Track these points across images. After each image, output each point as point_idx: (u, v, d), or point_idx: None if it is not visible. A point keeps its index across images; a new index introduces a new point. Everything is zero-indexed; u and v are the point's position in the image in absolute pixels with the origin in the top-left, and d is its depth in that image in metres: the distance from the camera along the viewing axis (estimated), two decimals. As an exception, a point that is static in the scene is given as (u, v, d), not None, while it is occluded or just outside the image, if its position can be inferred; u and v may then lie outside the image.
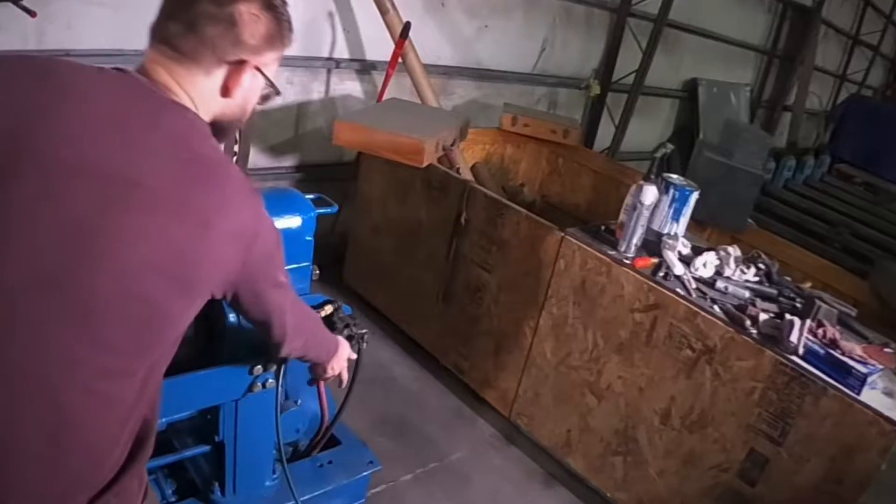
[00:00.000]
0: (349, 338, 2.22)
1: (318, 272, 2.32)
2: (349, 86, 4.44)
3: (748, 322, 2.46)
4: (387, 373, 3.68)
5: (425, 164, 3.41)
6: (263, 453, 2.28)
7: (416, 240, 3.72)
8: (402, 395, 3.55)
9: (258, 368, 2.05)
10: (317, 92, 4.32)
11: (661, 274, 2.73)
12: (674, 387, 2.65)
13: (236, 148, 3.76)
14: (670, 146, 3.08)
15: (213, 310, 2.01)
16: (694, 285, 2.66)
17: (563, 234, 3.00)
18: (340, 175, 4.42)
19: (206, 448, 2.20)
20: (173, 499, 2.28)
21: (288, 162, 4.41)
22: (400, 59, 4.04)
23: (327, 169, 4.50)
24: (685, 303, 2.60)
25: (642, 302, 2.74)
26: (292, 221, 2.15)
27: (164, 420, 2.02)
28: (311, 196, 2.26)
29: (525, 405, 3.24)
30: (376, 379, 3.60)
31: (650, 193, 2.77)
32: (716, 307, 2.56)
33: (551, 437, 3.14)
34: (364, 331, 2.31)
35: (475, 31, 5.00)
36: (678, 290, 2.64)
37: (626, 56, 6.09)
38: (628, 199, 2.85)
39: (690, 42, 6.75)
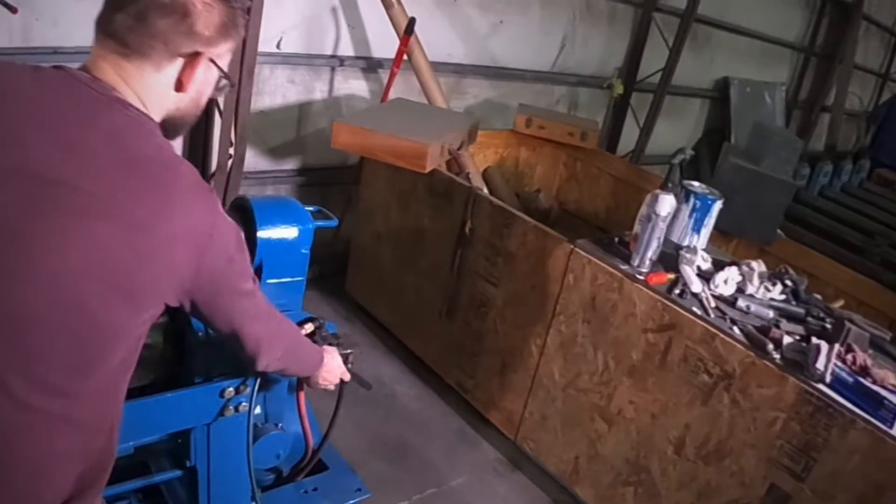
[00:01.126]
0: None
1: None
2: (354, 85, 4.36)
3: (771, 345, 2.33)
4: (387, 390, 3.59)
5: (428, 170, 3.32)
6: (239, 479, 2.19)
7: (419, 250, 3.63)
8: (403, 414, 3.45)
9: (230, 391, 1.98)
10: (319, 91, 4.24)
11: (677, 291, 2.61)
12: (689, 414, 2.53)
13: (231, 150, 3.70)
14: (690, 151, 2.95)
15: (180, 325, 1.95)
16: (713, 304, 2.54)
17: (572, 247, 2.89)
18: (344, 179, 4.36)
19: (177, 473, 2.13)
20: (143, 528, 2.22)
21: (289, 165, 4.34)
22: (406, 57, 3.94)
23: (331, 173, 4.43)
24: (702, 323, 2.47)
25: (656, 321, 2.62)
26: (288, 232, 2.10)
27: (130, 444, 1.97)
28: (310, 208, 2.21)
29: (531, 428, 3.13)
30: (376, 397, 3.51)
31: (666, 203, 2.65)
32: (736, 328, 2.44)
33: (559, 463, 3.03)
34: (349, 350, 2.23)
35: (489, 26, 4.89)
36: (695, 309, 2.52)
37: (652, 53, 5.93)
38: (643, 210, 2.73)
39: (721, 39, 6.58)
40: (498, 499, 3.04)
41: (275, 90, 4.07)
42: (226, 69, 1.33)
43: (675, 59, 5.94)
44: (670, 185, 2.79)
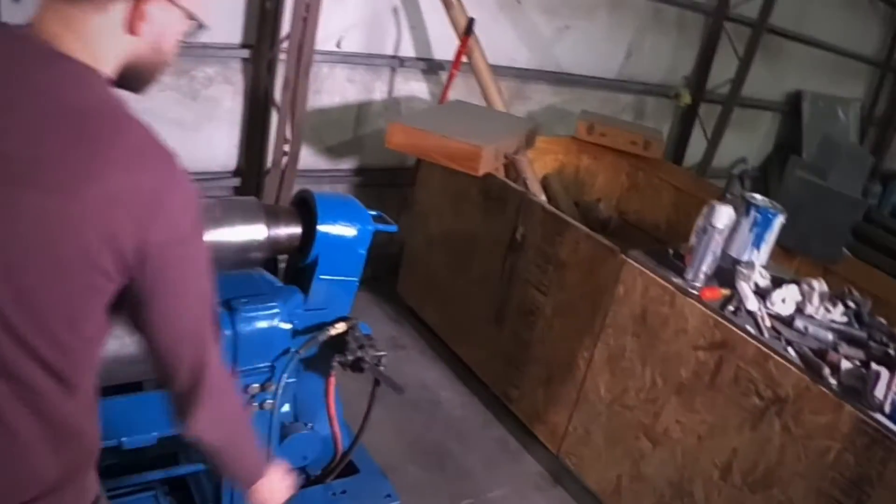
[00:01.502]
0: (358, 361, 2.13)
1: None
2: (414, 87, 4.38)
3: (827, 370, 2.23)
4: (431, 395, 3.58)
5: (482, 173, 3.30)
6: (271, 477, 2.21)
7: (470, 255, 3.61)
8: (445, 421, 3.43)
9: (254, 388, 1.99)
10: (379, 92, 4.27)
11: (732, 308, 2.52)
12: (737, 438, 2.43)
13: (286, 147, 3.75)
14: (751, 163, 2.85)
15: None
16: (768, 323, 2.44)
17: (624, 257, 2.82)
18: (401, 181, 4.37)
19: (200, 467, 2.16)
20: (169, 519, 2.25)
21: (346, 164, 4.38)
22: (466, 59, 3.94)
23: (388, 174, 4.45)
24: (756, 343, 2.38)
25: (707, 339, 2.53)
26: (348, 230, 2.10)
27: (153, 434, 1.99)
28: (373, 212, 2.21)
29: (575, 443, 3.07)
30: (419, 401, 3.51)
31: (723, 215, 2.57)
32: (791, 350, 2.34)
33: (600, 481, 2.96)
34: (382, 353, 2.22)
35: (554, 31, 4.85)
36: (749, 327, 2.43)
37: (722, 63, 5.76)
38: (699, 221, 2.65)
39: (795, 50, 6.33)
40: (535, 514, 2.99)
41: (333, 89, 4.11)
42: (191, 8, 1.19)
43: (745, 70, 5.75)
44: (729, 196, 2.70)
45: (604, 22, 5.06)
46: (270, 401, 2.04)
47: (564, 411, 3.11)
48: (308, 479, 2.49)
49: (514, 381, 3.38)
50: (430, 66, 4.37)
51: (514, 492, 3.08)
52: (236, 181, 3.97)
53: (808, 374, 2.24)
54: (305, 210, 2.06)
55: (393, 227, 2.21)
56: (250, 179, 3.94)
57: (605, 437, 2.93)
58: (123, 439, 2.04)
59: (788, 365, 2.29)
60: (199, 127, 3.80)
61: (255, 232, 1.99)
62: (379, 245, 4.22)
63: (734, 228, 2.77)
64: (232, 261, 2.00)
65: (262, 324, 1.98)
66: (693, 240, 2.67)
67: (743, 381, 2.41)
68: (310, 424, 2.31)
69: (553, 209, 3.20)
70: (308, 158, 4.18)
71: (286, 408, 2.23)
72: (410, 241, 4.06)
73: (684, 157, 5.99)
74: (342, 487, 2.47)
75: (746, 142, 6.59)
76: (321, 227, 2.03)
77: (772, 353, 2.33)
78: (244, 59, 3.77)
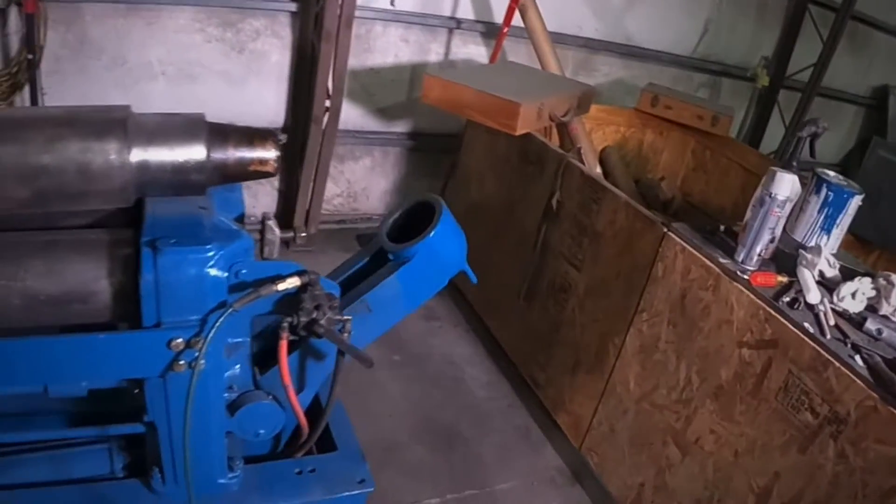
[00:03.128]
0: (311, 323, 1.62)
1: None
2: (473, 50, 3.79)
3: (906, 387, 1.53)
4: (456, 371, 3.04)
5: (520, 132, 2.70)
6: (209, 445, 1.75)
7: (507, 223, 3.03)
8: (465, 400, 2.88)
9: (178, 342, 1.52)
10: (435, 53, 3.72)
11: (788, 299, 1.83)
12: (781, 460, 1.76)
13: (328, 103, 3.27)
14: (823, 125, 2.16)
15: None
16: (832, 321, 1.75)
17: (665, 230, 2.17)
18: (455, 147, 3.81)
19: (138, 427, 1.71)
20: (121, 474, 1.83)
21: (399, 128, 3.87)
22: (521, 17, 3.31)
23: (443, 140, 3.90)
24: (814, 345, 1.70)
25: (755, 334, 1.86)
26: (450, 252, 1.88)
27: (83, 384, 1.61)
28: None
29: (597, 440, 2.46)
30: (441, 377, 2.98)
31: (786, 184, 1.88)
32: (858, 358, 1.64)
33: (621, 487, 2.33)
34: (346, 318, 1.70)
35: (625, 1, 4.12)
36: (808, 325, 1.75)
37: (804, 48, 4.79)
38: (757, 191, 1.97)
39: (883, 42, 5.25)
40: (544, 516, 2.40)
41: (386, 48, 3.60)
42: None
43: (828, 56, 4.72)
44: (795, 163, 2.00)
45: (680, -6, 4.27)
46: (203, 362, 1.56)
47: (590, 403, 2.49)
48: (275, 452, 2.03)
49: (541, 363, 2.79)
50: (490, 30, 3.77)
51: (525, 487, 2.50)
52: (283, 137, 3.54)
53: (877, 390, 1.55)
54: (425, 211, 1.82)
55: (474, 280, 1.98)
56: (297, 135, 3.50)
57: (631, 437, 2.30)
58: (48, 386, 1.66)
59: (853, 376, 1.60)
60: (246, 80, 3.39)
61: (192, 152, 1.54)
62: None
63: (800, 207, 2.07)
64: (167, 183, 1.56)
65: (190, 270, 1.50)
66: (748, 214, 1.99)
67: (794, 391, 1.74)
68: (272, 396, 1.84)
69: (592, 173, 2.56)
70: (358, 119, 3.71)
71: (236, 370, 1.76)
72: (453, 208, 3.49)
73: (761, 143, 5.07)
74: (312, 465, 1.97)
75: (828, 134, 5.51)
76: (432, 235, 1.75)
77: (833, 360, 1.65)
78: (292, 13, 3.32)
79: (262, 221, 1.76)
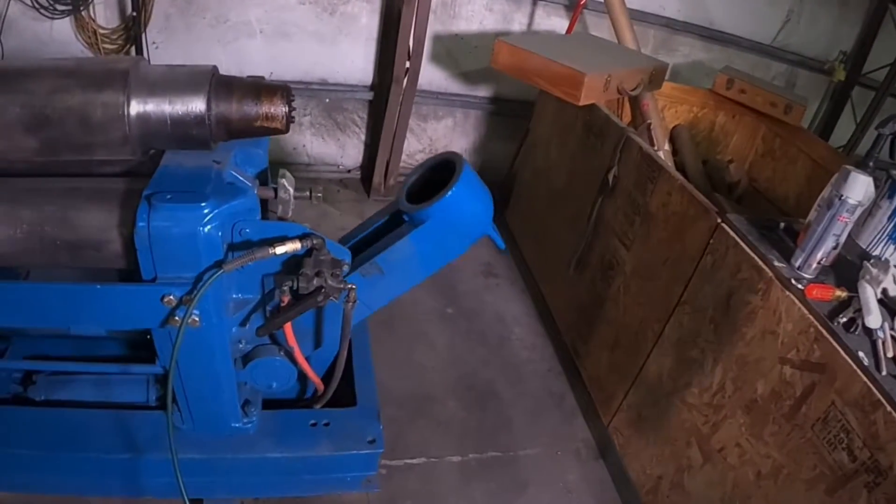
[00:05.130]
0: (317, 291, 1.38)
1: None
2: (556, 22, 3.31)
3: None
4: (504, 330, 2.74)
5: (583, 102, 2.29)
6: (220, 391, 1.59)
7: (567, 193, 2.64)
8: (508, 360, 2.59)
9: (170, 299, 1.33)
10: (518, 23, 3.28)
11: (844, 319, 1.39)
12: (805, 496, 1.38)
13: (408, 64, 2.94)
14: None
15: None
16: (890, 352, 1.30)
17: (719, 221, 1.74)
18: (532, 114, 3.40)
19: (157, 368, 1.57)
20: (154, 404, 1.74)
21: (481, 92, 3.49)
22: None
23: (521, 106, 3.50)
24: (866, 379, 1.27)
25: (801, 354, 1.44)
26: (473, 212, 1.57)
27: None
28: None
29: (625, 422, 2.11)
30: (488, 334, 2.69)
31: (859, 185, 1.41)
32: (918, 404, 1.20)
33: (641, 474, 1.99)
34: (349, 286, 1.45)
35: (708, -16, 3.45)
36: (862, 354, 1.31)
37: (885, 45, 3.91)
38: (825, 191, 1.49)
39: None
40: (561, 487, 2.10)
41: (472, 16, 3.21)
42: None
43: None
44: (871, 163, 1.50)
45: (763, -19, 3.53)
46: (196, 318, 1.37)
47: (622, 384, 2.14)
48: (296, 402, 1.85)
49: (583, 335, 2.44)
50: (573, 3, 3.25)
51: (548, 455, 2.21)
52: (370, 95, 3.27)
53: (936, 450, 1.12)
54: (446, 169, 1.54)
55: (502, 244, 1.71)
56: (381, 94, 3.21)
57: (656, 428, 1.94)
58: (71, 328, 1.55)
59: (907, 426, 1.17)
60: (336, 41, 3.12)
61: (191, 105, 1.31)
62: (498, 171, 3.36)
63: (869, 210, 1.57)
64: (168, 136, 1.34)
65: (183, 227, 1.29)
66: (812, 214, 1.52)
67: (834, 426, 1.32)
68: (282, 350, 1.63)
69: (651, 151, 2.12)
70: (442, 81, 3.37)
71: (245, 327, 1.56)
72: (521, 172, 3.13)
73: (830, 137, 4.23)
74: (327, 418, 1.79)
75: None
76: (452, 193, 1.47)
77: (885, 403, 1.22)
78: (381, -22, 2.99)
79: (276, 179, 1.50)
